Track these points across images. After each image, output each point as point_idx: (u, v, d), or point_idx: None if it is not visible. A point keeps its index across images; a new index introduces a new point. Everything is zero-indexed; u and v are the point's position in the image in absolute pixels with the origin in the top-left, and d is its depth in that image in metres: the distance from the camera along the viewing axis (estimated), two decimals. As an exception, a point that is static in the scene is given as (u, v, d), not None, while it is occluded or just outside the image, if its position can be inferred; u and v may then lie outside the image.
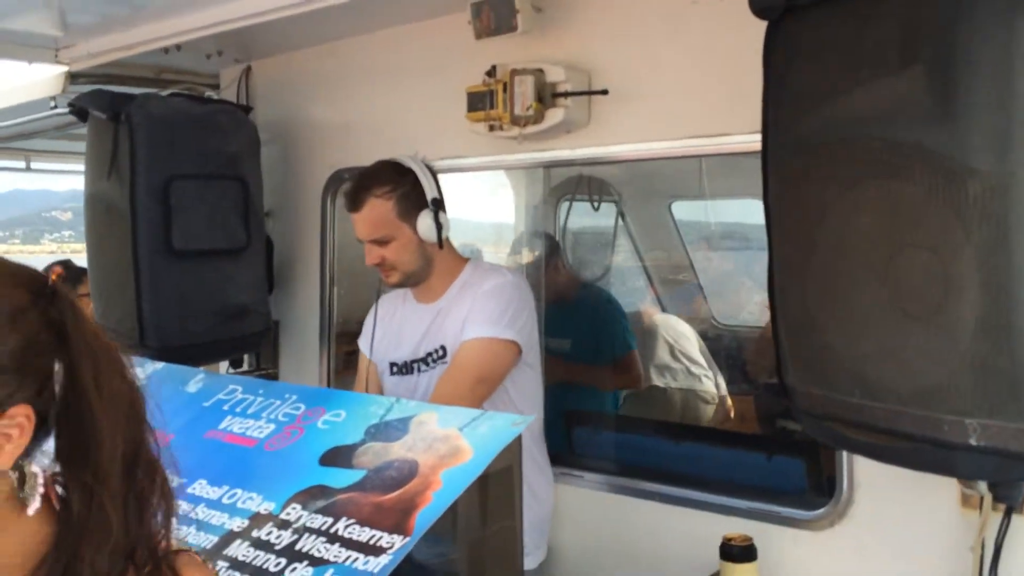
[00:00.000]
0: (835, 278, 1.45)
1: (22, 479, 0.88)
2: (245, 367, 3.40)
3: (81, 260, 4.09)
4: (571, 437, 2.70)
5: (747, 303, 5.08)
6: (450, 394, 2.10)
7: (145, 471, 0.94)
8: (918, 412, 1.31)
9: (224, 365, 3.36)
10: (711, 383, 3.90)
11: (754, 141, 2.08)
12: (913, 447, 1.34)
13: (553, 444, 2.49)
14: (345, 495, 1.54)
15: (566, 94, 2.39)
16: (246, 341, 3.05)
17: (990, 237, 1.22)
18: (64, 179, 6.26)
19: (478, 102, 2.51)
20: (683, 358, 3.95)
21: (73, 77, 3.22)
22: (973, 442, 1.24)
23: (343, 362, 3.33)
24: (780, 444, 2.44)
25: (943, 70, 1.29)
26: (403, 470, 1.55)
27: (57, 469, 0.90)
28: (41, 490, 0.89)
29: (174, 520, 0.99)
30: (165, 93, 3.00)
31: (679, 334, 4.00)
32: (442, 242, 2.23)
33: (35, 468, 0.89)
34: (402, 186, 2.23)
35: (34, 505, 0.88)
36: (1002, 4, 1.24)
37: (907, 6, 1.36)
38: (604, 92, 2.35)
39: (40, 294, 0.88)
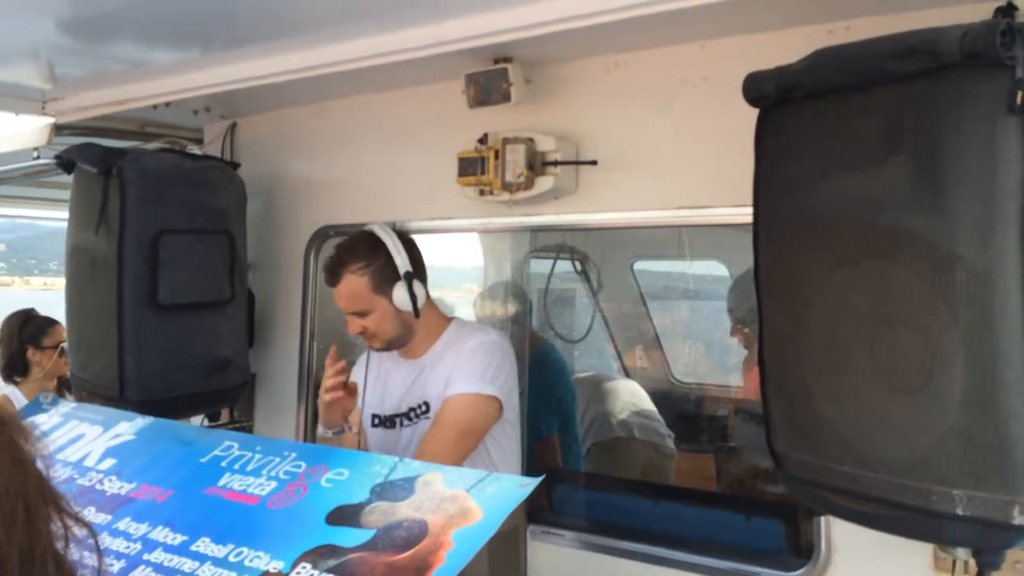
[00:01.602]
0: (827, 351, 1.55)
1: None
2: (221, 420, 3.38)
3: (12, 296, 4.04)
4: (551, 495, 2.75)
5: (706, 360, 5.23)
6: (435, 448, 2.16)
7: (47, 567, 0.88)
8: (908, 482, 1.40)
9: (198, 419, 3.35)
10: (670, 439, 4.02)
11: (737, 214, 2.24)
12: (902, 515, 1.43)
13: (531, 501, 2.54)
14: (356, 555, 1.57)
15: (556, 163, 2.49)
16: (226, 394, 3.05)
17: (975, 319, 1.33)
18: None
19: (469, 167, 2.61)
20: (642, 415, 4.07)
21: (58, 129, 3.24)
22: (960, 512, 1.33)
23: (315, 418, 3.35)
24: (759, 505, 2.52)
25: (929, 162, 1.41)
26: (413, 530, 1.59)
27: None
28: None
29: None
30: (152, 147, 3.04)
31: (635, 394, 4.15)
32: (418, 312, 2.30)
33: None
34: (376, 260, 2.31)
35: None
36: (985, 102, 1.37)
37: (893, 102, 1.48)
38: (593, 163, 2.46)
39: None
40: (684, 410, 4.69)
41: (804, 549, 2.16)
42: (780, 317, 1.69)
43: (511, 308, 3.48)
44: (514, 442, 2.39)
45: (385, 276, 2.29)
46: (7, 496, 0.85)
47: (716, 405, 4.52)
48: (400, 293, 2.28)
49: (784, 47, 1.75)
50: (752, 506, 2.47)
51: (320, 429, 2.30)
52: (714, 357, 5.15)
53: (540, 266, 3.82)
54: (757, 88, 1.69)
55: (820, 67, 1.58)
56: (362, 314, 2.31)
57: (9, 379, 3.72)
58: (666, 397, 4.38)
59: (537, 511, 2.60)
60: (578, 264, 4.69)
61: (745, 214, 2.13)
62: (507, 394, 2.29)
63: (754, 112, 1.74)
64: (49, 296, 4.03)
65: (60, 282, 3.08)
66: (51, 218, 5.41)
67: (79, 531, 0.95)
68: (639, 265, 5.20)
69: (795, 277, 1.63)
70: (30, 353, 3.67)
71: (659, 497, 2.70)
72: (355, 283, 2.29)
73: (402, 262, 2.29)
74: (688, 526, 2.52)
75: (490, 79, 2.50)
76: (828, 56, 1.57)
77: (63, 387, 3.63)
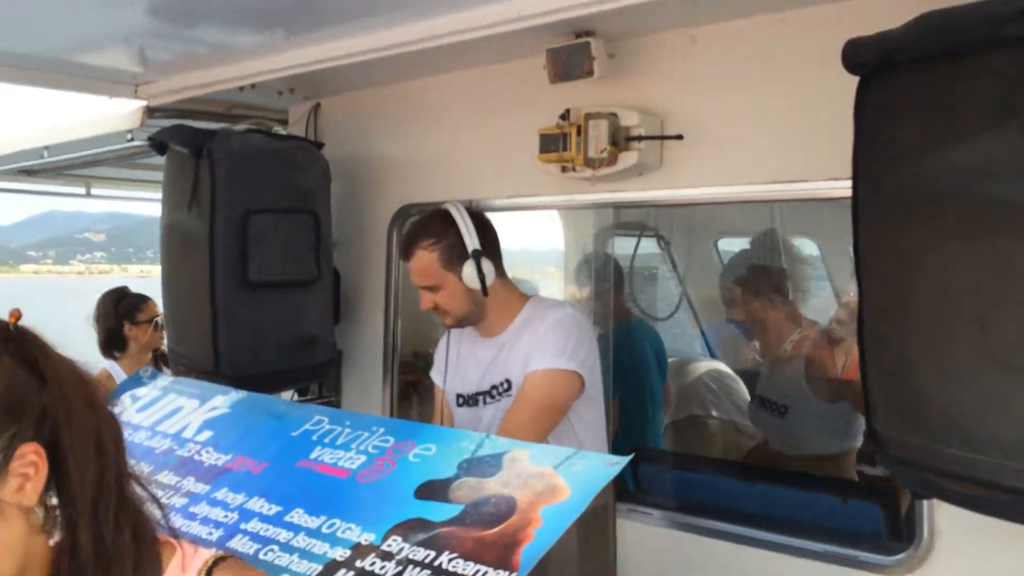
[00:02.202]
0: (934, 327, 1.48)
1: (46, 512, 0.92)
2: (310, 396, 3.46)
3: (111, 282, 4.19)
4: (637, 474, 2.72)
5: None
6: (516, 425, 2.15)
7: (116, 502, 0.95)
8: (1021, 465, 1.33)
9: (287, 395, 3.42)
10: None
11: (830, 188, 2.17)
12: (1014, 500, 1.36)
13: (618, 479, 2.52)
14: (446, 529, 1.58)
15: (640, 138, 2.45)
16: (314, 371, 3.11)
17: (1098, 294, 1.25)
18: (98, 201, 6.31)
19: (551, 144, 2.58)
20: (723, 394, 3.99)
21: (150, 112, 3.33)
22: (1079, 495, 1.26)
23: (402, 394, 3.40)
24: (857, 488, 2.45)
25: (1046, 130, 1.33)
26: (501, 506, 1.59)
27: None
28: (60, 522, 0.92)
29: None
30: (240, 128, 3.10)
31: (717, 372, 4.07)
32: (486, 290, 2.30)
33: (54, 500, 0.93)
34: (447, 237, 2.31)
35: (56, 536, 0.92)
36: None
37: (1007, 67, 1.40)
38: (679, 137, 2.41)
39: (6, 338, 0.92)
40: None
41: (905, 533, 2.09)
42: (881, 293, 1.62)
43: (596, 286, 3.45)
44: (599, 417, 2.37)
45: (455, 253, 2.29)
46: (86, 433, 0.93)
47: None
48: (468, 271, 2.28)
49: (871, 15, 1.69)
50: (850, 488, 2.40)
51: None
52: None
53: (624, 246, 3.77)
54: (857, 54, 1.62)
55: (926, 31, 1.50)
56: (432, 289, 2.33)
57: (109, 354, 3.87)
58: (754, 378, 4.29)
59: (623, 489, 2.58)
60: (662, 242, 4.62)
61: (838, 187, 2.07)
62: (588, 369, 2.27)
63: (845, 82, 1.66)
64: (146, 283, 4.17)
65: (156, 269, 3.17)
66: (145, 198, 5.58)
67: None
68: (724, 243, 5.09)
69: (899, 252, 1.56)
70: (126, 328, 3.81)
71: (751, 477, 2.64)
72: (425, 259, 2.31)
73: (471, 241, 2.29)
74: (782, 507, 2.46)
75: (572, 54, 2.46)
76: (935, 20, 1.49)
77: (159, 360, 3.76)
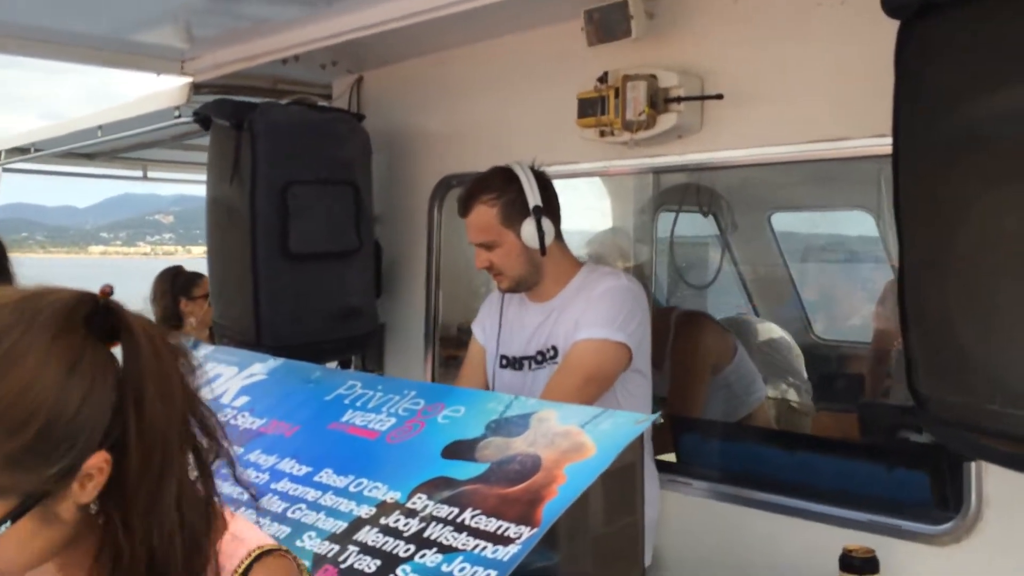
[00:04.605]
0: (976, 280, 1.41)
1: (101, 502, 0.89)
2: (352, 368, 3.48)
3: (175, 261, 4.26)
4: (677, 443, 2.67)
5: (851, 318, 4.96)
6: (559, 392, 2.10)
7: (177, 505, 0.91)
8: (1067, 419, 1.26)
9: (330, 366, 3.45)
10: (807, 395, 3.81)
11: (877, 144, 2.08)
12: (1062, 456, 1.29)
13: (658, 450, 2.48)
14: (470, 486, 1.57)
15: (679, 99, 2.39)
16: (355, 342, 3.13)
17: None
18: (169, 184, 6.46)
19: (589, 108, 2.53)
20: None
21: (196, 88, 3.38)
22: None
23: (443, 366, 3.39)
24: (901, 455, 2.37)
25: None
26: (526, 464, 1.57)
27: None
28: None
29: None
30: (284, 102, 3.12)
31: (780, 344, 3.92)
32: (544, 248, 2.24)
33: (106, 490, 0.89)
34: (507, 193, 2.26)
35: (102, 519, 0.89)
36: None
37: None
38: (719, 96, 2.34)
39: (92, 321, 0.87)
40: (827, 368, 4.45)
41: (952, 502, 2.01)
42: (922, 246, 1.55)
43: (636, 261, 3.39)
44: (645, 391, 2.32)
45: (515, 210, 2.24)
46: (157, 427, 0.88)
47: (862, 363, 4.27)
48: (528, 228, 2.23)
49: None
50: (895, 456, 2.32)
51: None
52: (858, 313, 4.88)
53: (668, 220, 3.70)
54: (897, -4, 1.54)
55: (970, -33, 1.42)
56: (489, 247, 2.27)
57: (166, 333, 3.95)
58: (808, 355, 4.18)
59: (663, 459, 2.54)
60: (711, 217, 4.51)
61: (886, 144, 1.99)
62: (638, 342, 2.21)
63: (889, 32, 1.59)
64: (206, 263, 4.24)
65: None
66: (202, 181, 5.69)
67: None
68: (778, 219, 4.96)
69: (941, 201, 1.49)
70: (183, 304, 3.88)
71: (793, 447, 2.58)
72: (484, 214, 2.25)
73: (533, 197, 2.24)
74: (824, 477, 2.39)
75: (610, 14, 2.42)
76: (980, -45, 1.41)
77: (215, 336, 3.83)
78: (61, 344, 0.84)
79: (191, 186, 6.62)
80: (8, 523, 0.82)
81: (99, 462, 0.85)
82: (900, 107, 1.59)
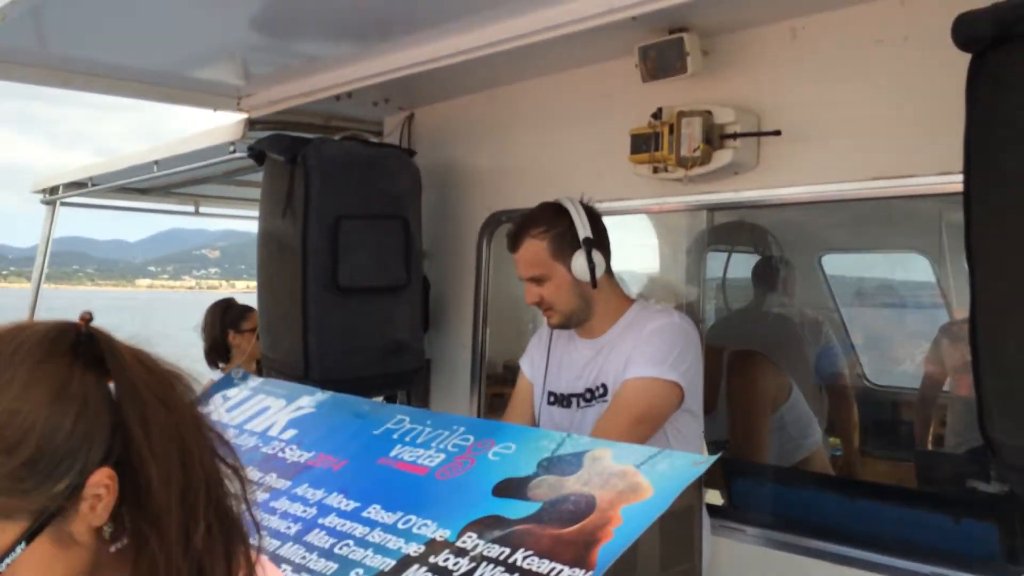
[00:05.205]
0: (1057, 320, 1.35)
1: (114, 525, 0.88)
2: (397, 403, 3.46)
3: (219, 295, 4.29)
4: (730, 488, 2.59)
5: (904, 362, 4.83)
6: (610, 432, 2.05)
7: (207, 509, 0.89)
8: None
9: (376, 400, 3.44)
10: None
11: (940, 182, 2.03)
12: None
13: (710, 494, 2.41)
14: (522, 526, 1.52)
15: (735, 135, 2.36)
16: (402, 377, 3.11)
17: None
18: (217, 220, 6.51)
19: (642, 144, 2.51)
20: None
21: (251, 124, 3.43)
22: None
23: (489, 405, 3.36)
24: (968, 505, 2.26)
25: None
26: (580, 504, 1.52)
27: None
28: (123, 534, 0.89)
29: (254, 552, 0.94)
30: (337, 138, 3.16)
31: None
32: (595, 281, 2.21)
33: (123, 513, 0.88)
34: (557, 227, 2.24)
35: (120, 543, 0.88)
36: None
37: None
38: (777, 133, 2.31)
39: (77, 348, 0.87)
40: (880, 415, 4.33)
41: (1021, 555, 1.91)
42: (996, 286, 1.49)
43: (686, 302, 3.34)
44: (696, 432, 2.26)
45: (565, 243, 2.22)
46: (167, 438, 0.88)
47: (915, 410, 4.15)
48: (579, 261, 2.20)
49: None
50: (961, 506, 2.22)
51: None
52: (912, 359, 4.75)
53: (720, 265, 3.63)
54: (970, 29, 1.50)
55: (1048, -2, 1.38)
56: (539, 281, 2.25)
57: (214, 364, 3.97)
58: (860, 401, 4.06)
59: (714, 504, 2.46)
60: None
61: (950, 182, 1.93)
62: (690, 381, 2.16)
63: (952, 66, 1.55)
64: (250, 297, 4.25)
65: (258, 282, 3.21)
66: (252, 216, 5.77)
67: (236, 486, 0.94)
68: (829, 260, 4.87)
69: (1016, 238, 1.43)
70: (231, 337, 3.90)
71: (853, 493, 2.48)
72: (534, 247, 2.23)
73: (583, 230, 2.21)
74: (886, 526, 2.29)
75: (665, 50, 2.40)
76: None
77: (262, 371, 3.84)
78: (46, 369, 0.85)
79: (239, 222, 6.74)
80: (23, 545, 0.82)
81: (103, 479, 0.85)
82: (972, 140, 1.54)
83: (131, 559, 0.87)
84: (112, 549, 0.88)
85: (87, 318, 0.91)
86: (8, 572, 0.82)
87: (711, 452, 2.33)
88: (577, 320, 2.30)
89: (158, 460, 0.86)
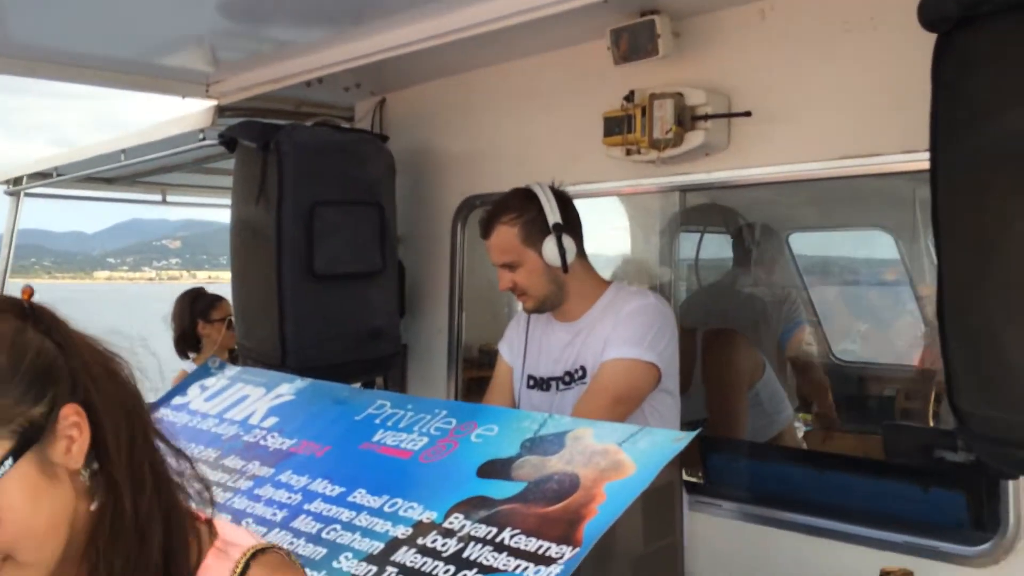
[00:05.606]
0: (1020, 292, 1.39)
1: (91, 476, 0.92)
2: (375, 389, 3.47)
3: (180, 286, 4.26)
4: (706, 464, 2.64)
5: (870, 339, 4.92)
6: (589, 412, 2.08)
7: (148, 468, 0.95)
8: (1122, 434, 1.24)
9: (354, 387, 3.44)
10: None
11: (907, 160, 2.08)
12: (1115, 471, 1.26)
13: (686, 470, 2.46)
14: (507, 506, 1.55)
15: (706, 116, 2.39)
16: (379, 363, 3.12)
17: None
18: (178, 209, 6.44)
19: (615, 127, 2.54)
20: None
21: (220, 111, 3.40)
22: None
23: (466, 388, 3.38)
24: (937, 475, 2.33)
25: None
26: (564, 483, 1.55)
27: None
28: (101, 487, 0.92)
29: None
30: (309, 124, 3.14)
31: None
32: (566, 266, 2.24)
33: (95, 465, 0.93)
34: (527, 212, 2.26)
35: (97, 501, 0.92)
36: None
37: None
38: (747, 114, 2.34)
39: (25, 315, 0.93)
40: (847, 390, 4.42)
41: (988, 522, 1.97)
42: (962, 260, 1.53)
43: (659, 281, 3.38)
44: (674, 411, 2.30)
45: (536, 228, 2.24)
46: (114, 399, 0.94)
47: (881, 385, 4.24)
48: (549, 247, 2.22)
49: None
50: (930, 476, 2.28)
51: None
52: (878, 335, 4.85)
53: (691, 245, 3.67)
54: (935, 9, 1.54)
55: (1012, -22, 1.41)
56: (511, 267, 2.27)
57: (183, 354, 3.95)
58: (828, 376, 4.14)
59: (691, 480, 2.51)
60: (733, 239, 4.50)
61: (914, 159, 1.98)
62: (667, 361, 2.20)
63: (917, 47, 1.58)
64: (212, 287, 4.24)
65: (224, 275, 3.21)
66: (220, 204, 5.70)
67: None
68: (796, 239, 4.94)
69: (981, 213, 1.48)
70: (200, 327, 3.88)
71: (825, 466, 2.54)
72: (505, 234, 2.26)
73: (553, 215, 2.23)
74: (858, 498, 2.35)
75: (637, 33, 2.42)
76: (1021, -34, 1.40)
77: (234, 360, 3.82)
78: (2, 319, 0.91)
79: (200, 210, 6.63)
80: (10, 460, 0.85)
81: (72, 413, 0.89)
82: (938, 121, 1.58)
83: (106, 521, 0.91)
84: (92, 507, 0.92)
85: (30, 292, 0.97)
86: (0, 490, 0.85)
87: (687, 431, 2.38)
88: (551, 304, 2.33)
89: (110, 416, 0.92)
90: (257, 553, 0.98)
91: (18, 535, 0.86)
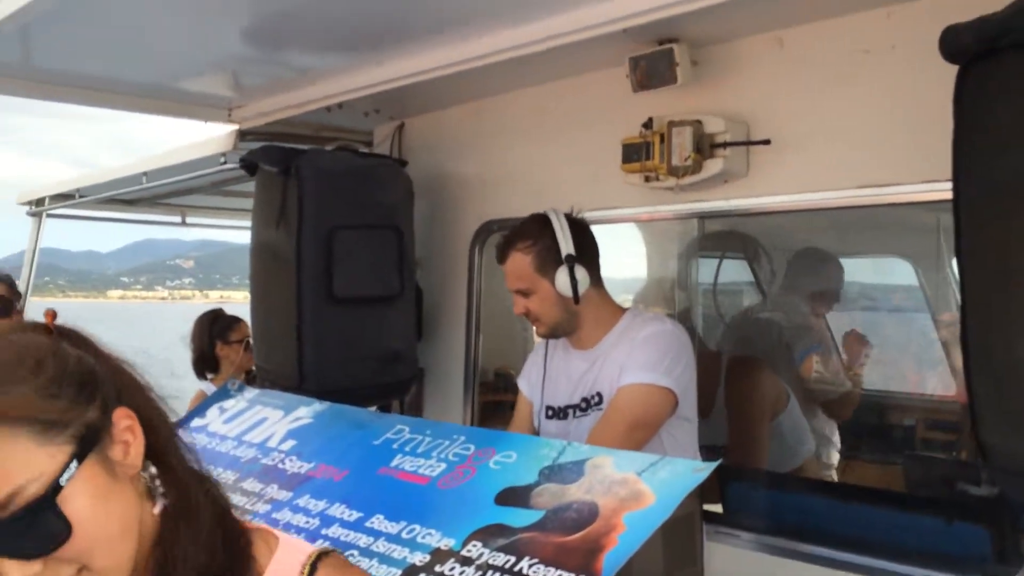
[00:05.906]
0: (1047, 325, 1.38)
1: (149, 478, 0.93)
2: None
3: (192, 306, 4.29)
4: (724, 493, 2.62)
5: (888, 367, 4.88)
6: (605, 439, 2.08)
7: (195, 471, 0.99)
8: None
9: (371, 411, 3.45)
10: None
11: (927, 190, 2.07)
12: None
13: (704, 500, 2.43)
14: (526, 534, 1.54)
15: (725, 144, 2.39)
16: (396, 387, 3.13)
17: None
18: (192, 229, 6.51)
19: (634, 153, 2.55)
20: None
21: (242, 135, 3.44)
22: None
23: (482, 412, 3.37)
24: (960, 508, 2.30)
25: None
26: (583, 512, 1.54)
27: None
28: (161, 489, 0.93)
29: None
30: (329, 148, 3.17)
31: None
32: (577, 297, 2.23)
33: (152, 468, 0.93)
34: (542, 240, 2.27)
35: (161, 503, 0.93)
36: None
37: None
38: (766, 142, 2.34)
39: (50, 332, 0.94)
40: (865, 418, 4.38)
41: (1012, 556, 1.95)
42: (986, 291, 1.52)
43: (677, 307, 3.37)
44: (691, 438, 2.28)
45: (550, 258, 2.25)
46: (150, 407, 0.96)
47: (901, 414, 4.20)
48: (561, 277, 2.23)
49: (983, 5, 1.60)
50: (954, 509, 2.25)
51: None
52: (898, 363, 4.81)
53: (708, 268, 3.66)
54: (956, 41, 1.54)
55: (1032, 11, 1.42)
56: (525, 294, 2.28)
57: (201, 375, 3.97)
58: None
59: (709, 510, 2.49)
60: (751, 264, 4.49)
61: (935, 190, 1.97)
62: (683, 388, 2.19)
63: (939, 77, 1.58)
64: (225, 307, 4.26)
65: (236, 295, 3.24)
66: (236, 226, 5.75)
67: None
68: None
69: (1006, 244, 1.46)
70: (218, 348, 3.89)
71: (848, 497, 2.51)
72: (520, 261, 2.27)
73: (566, 246, 2.24)
74: (880, 531, 2.32)
75: (655, 61, 2.44)
76: (1041, -1, 1.41)
77: (251, 381, 3.83)
78: (40, 341, 0.91)
79: (214, 231, 6.68)
80: (75, 463, 0.84)
81: (124, 417, 0.90)
82: (960, 150, 1.58)
83: (175, 523, 0.92)
84: (155, 511, 0.92)
85: (52, 315, 0.97)
86: (69, 496, 0.83)
87: (706, 457, 2.36)
88: (563, 331, 2.33)
89: (151, 422, 0.94)
90: (322, 555, 1.01)
91: (93, 542, 0.85)
